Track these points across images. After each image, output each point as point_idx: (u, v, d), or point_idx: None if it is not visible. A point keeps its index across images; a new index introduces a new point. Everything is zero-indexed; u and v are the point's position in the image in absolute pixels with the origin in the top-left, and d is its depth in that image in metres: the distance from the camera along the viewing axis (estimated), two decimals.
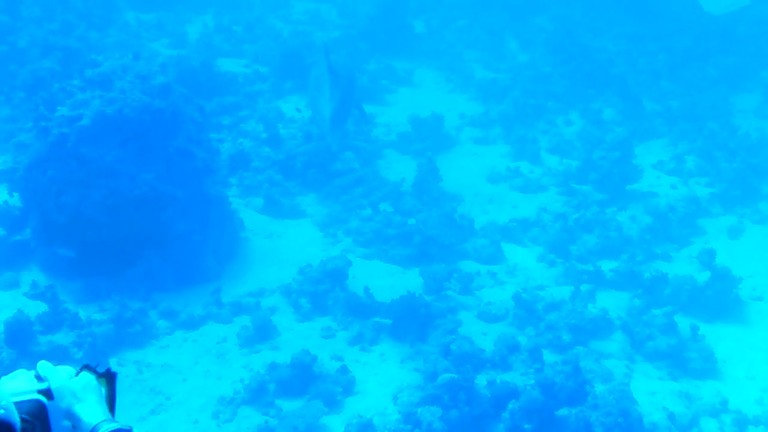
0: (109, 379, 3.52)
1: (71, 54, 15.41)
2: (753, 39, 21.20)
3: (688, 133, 16.96)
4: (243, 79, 17.12)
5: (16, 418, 2.97)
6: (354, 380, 10.45)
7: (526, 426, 9.58)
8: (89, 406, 3.35)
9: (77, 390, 3.35)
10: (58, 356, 10.24)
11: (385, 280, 12.35)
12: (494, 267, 12.96)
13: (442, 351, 10.53)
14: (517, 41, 21.10)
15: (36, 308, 10.86)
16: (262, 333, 11.12)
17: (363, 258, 12.85)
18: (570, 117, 17.51)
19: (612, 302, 12.31)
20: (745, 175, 15.32)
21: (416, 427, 9.57)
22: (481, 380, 10.08)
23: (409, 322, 11.21)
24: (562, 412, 9.70)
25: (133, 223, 11.60)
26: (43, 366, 3.38)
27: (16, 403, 3.07)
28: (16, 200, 12.11)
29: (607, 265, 12.97)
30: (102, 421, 3.31)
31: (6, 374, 3.35)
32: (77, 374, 3.43)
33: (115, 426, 3.30)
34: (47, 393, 3.28)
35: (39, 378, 3.34)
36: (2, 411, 2.92)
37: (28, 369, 3.40)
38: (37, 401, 3.24)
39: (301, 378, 10.31)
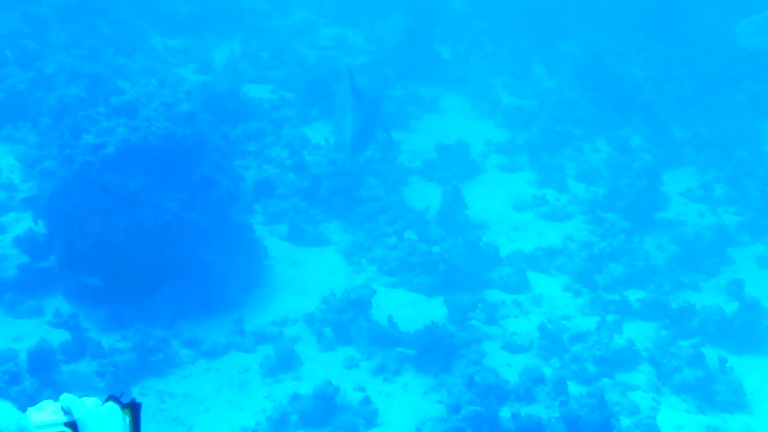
0: (133, 409, 3.48)
1: (98, 80, 15.45)
2: None
3: (716, 160, 16.83)
4: (269, 105, 17.11)
5: None
6: (377, 412, 10.36)
7: None
8: None
9: (102, 422, 3.31)
10: (80, 385, 10.20)
11: (410, 309, 12.28)
12: (519, 296, 12.87)
13: (466, 382, 10.44)
14: (543, 67, 21.03)
15: (59, 336, 10.83)
16: (285, 362, 11.06)
17: (387, 286, 12.78)
18: (597, 144, 17.40)
19: (638, 333, 12.20)
20: None
21: None
22: (506, 413, 9.97)
23: (433, 352, 11.12)
24: None
25: (157, 251, 11.58)
26: (68, 398, 3.34)
27: None
28: (41, 227, 12.10)
29: (633, 295, 12.85)
30: None
31: (31, 405, 3.32)
32: (103, 405, 3.40)
33: None
34: (73, 425, 3.26)
35: (65, 410, 3.31)
36: None
37: (51, 398, 3.37)
38: None
39: (324, 409, 10.23)
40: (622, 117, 18.17)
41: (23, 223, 12.56)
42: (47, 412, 3.28)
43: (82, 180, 11.33)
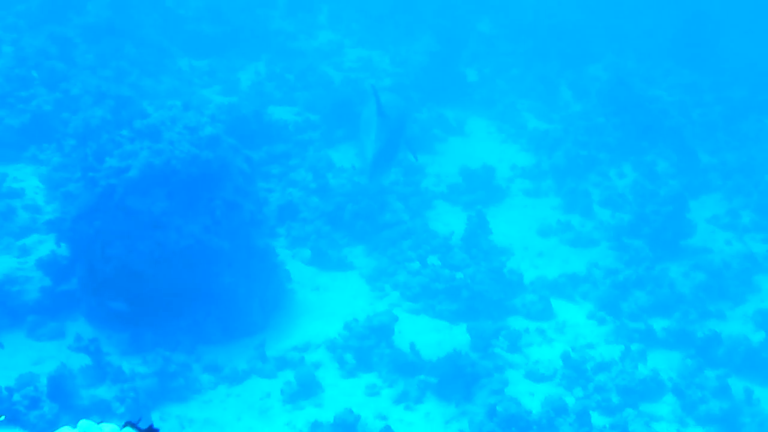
0: None
1: (123, 102, 15.46)
2: None
3: (743, 187, 16.70)
4: (294, 128, 17.07)
5: None
6: None
7: None
8: None
9: None
10: (100, 411, 10.18)
11: (432, 336, 12.20)
12: (543, 324, 12.76)
13: (487, 412, 10.34)
14: (570, 90, 20.94)
15: (79, 361, 10.81)
16: (306, 389, 10.99)
17: (410, 312, 12.71)
18: (623, 169, 17.30)
19: (663, 362, 12.07)
20: None
21: None
22: None
23: (455, 380, 11.02)
24: None
25: (179, 275, 11.55)
26: (85, 424, 3.31)
27: None
28: (63, 250, 12.09)
29: (658, 324, 12.73)
30: None
31: (50, 431, 3.32)
32: (120, 431, 3.37)
33: None
34: None
35: None
36: None
37: (70, 424, 3.34)
38: None
39: None
40: (649, 142, 18.04)
41: (46, 245, 12.54)
42: None
43: (105, 203, 11.32)
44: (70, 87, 16.00)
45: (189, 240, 11.43)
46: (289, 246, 13.91)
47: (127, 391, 10.42)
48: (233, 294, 11.90)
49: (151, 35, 19.85)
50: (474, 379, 11.05)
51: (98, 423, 3.40)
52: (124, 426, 3.42)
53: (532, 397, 11.15)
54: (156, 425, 3.48)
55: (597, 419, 10.66)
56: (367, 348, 11.59)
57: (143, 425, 3.45)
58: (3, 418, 9.45)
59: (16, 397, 9.96)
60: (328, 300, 12.91)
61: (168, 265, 11.42)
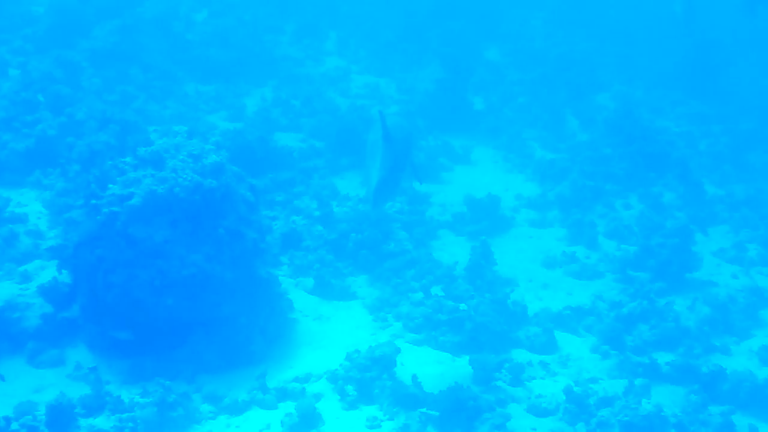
0: None
1: (128, 127, 15.45)
2: None
3: (750, 219, 16.63)
4: (299, 154, 17.07)
5: None
6: None
7: None
8: None
9: None
10: None
11: (434, 368, 12.10)
12: (546, 357, 12.67)
13: None
14: (577, 120, 20.92)
15: (79, 389, 10.76)
16: (307, 421, 10.88)
17: (412, 344, 12.62)
18: (629, 200, 17.25)
19: (667, 398, 11.95)
20: None
21: None
22: None
23: (457, 414, 10.91)
24: None
25: (181, 304, 11.46)
26: None
27: None
28: (65, 277, 12.04)
29: (663, 358, 12.62)
30: None
31: None
32: None
33: None
34: None
35: None
36: None
37: None
38: None
39: None
40: (656, 173, 18.00)
41: (48, 272, 12.51)
42: None
43: (107, 231, 11.27)
44: (75, 111, 15.99)
45: (191, 269, 11.36)
46: (292, 275, 13.86)
47: (126, 421, 10.35)
48: (235, 323, 11.83)
49: (158, 60, 19.91)
50: (476, 413, 10.94)
51: None
52: None
53: None
54: None
55: None
56: (369, 380, 11.49)
57: None
58: None
59: (14, 426, 9.91)
60: (331, 330, 12.83)
61: (169, 293, 11.34)
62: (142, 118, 16.67)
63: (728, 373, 12.14)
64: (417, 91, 20.55)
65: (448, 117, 19.81)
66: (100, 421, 10.45)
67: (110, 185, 11.52)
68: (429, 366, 12.13)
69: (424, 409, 11.05)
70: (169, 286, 11.31)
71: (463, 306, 13.05)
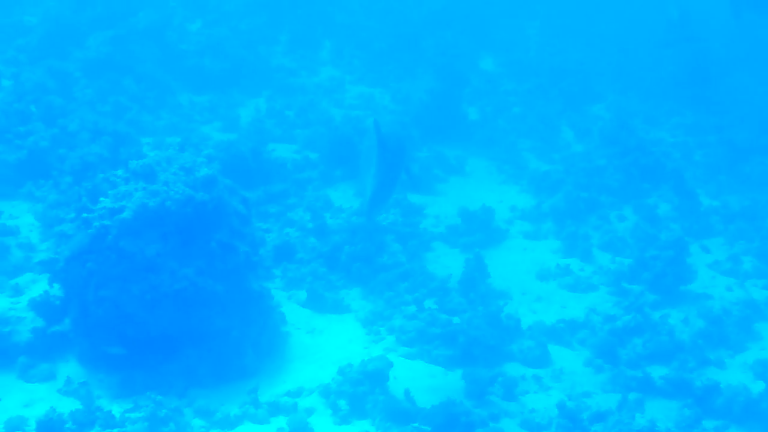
0: None
1: (121, 138, 15.40)
2: None
3: (745, 232, 16.59)
4: (292, 166, 17.02)
5: None
6: None
7: None
8: None
9: None
10: None
11: (427, 382, 12.05)
12: (540, 371, 12.61)
13: None
14: (572, 130, 20.89)
15: (70, 404, 10.69)
16: None
17: (405, 357, 12.56)
18: (624, 212, 17.21)
19: (661, 412, 11.90)
20: None
21: None
22: None
23: (449, 429, 10.86)
24: None
25: (172, 317, 11.41)
26: None
27: None
28: (56, 290, 11.97)
29: (657, 372, 12.56)
30: None
31: None
32: None
33: None
34: None
35: None
36: None
37: None
38: None
39: None
40: (651, 185, 17.97)
41: (40, 285, 12.45)
42: None
43: (98, 245, 11.21)
44: (68, 123, 15.94)
45: (183, 282, 11.31)
46: (284, 287, 13.80)
47: None
48: (226, 337, 11.76)
49: (152, 70, 19.85)
50: (468, 428, 10.88)
51: None
52: None
53: None
54: None
55: None
56: (361, 394, 11.43)
57: None
58: None
59: None
60: (323, 343, 12.77)
61: (161, 307, 11.29)
62: (135, 128, 16.62)
63: (722, 387, 12.09)
64: (411, 102, 20.51)
65: (443, 127, 19.75)
66: None
67: (101, 198, 11.49)
68: (422, 380, 12.07)
69: (416, 424, 11.00)
70: (161, 300, 11.25)
71: (456, 319, 13.00)
